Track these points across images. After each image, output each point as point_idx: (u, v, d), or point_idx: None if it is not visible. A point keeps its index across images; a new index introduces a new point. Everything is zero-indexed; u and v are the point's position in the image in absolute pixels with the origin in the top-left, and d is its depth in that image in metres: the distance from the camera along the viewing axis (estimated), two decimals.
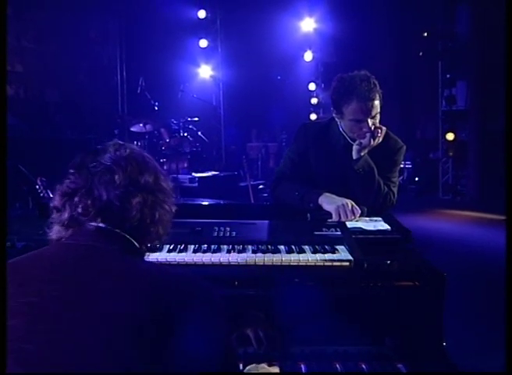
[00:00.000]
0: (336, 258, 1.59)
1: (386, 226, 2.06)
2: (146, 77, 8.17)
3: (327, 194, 2.36)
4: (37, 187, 4.18)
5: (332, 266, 1.59)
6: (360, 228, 2.03)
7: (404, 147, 2.63)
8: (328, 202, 2.30)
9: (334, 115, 2.56)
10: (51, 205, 1.19)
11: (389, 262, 1.73)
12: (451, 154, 9.47)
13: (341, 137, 2.58)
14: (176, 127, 7.80)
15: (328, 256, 1.61)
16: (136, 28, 9.54)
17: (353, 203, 2.29)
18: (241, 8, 9.57)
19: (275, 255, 1.63)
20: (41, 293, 1.02)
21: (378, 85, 2.46)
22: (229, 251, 1.65)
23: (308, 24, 9.83)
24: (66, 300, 1.02)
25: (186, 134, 7.80)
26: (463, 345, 3.16)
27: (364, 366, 1.60)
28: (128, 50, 9.89)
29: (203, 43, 10.09)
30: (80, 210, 1.14)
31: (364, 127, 2.44)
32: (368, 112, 2.41)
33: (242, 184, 7.11)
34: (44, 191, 4.05)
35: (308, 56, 9.92)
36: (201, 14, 10.03)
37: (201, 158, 7.96)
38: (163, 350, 0.99)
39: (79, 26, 8.88)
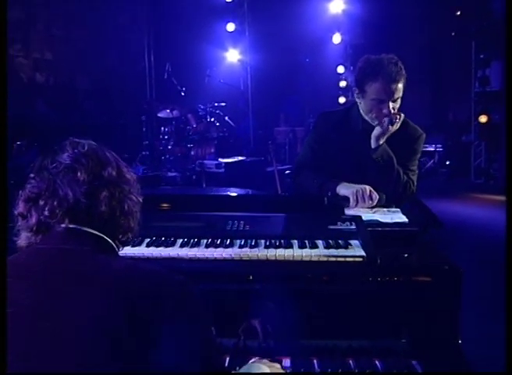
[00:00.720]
0: (348, 254, 1.57)
1: (404, 219, 2.03)
2: (173, 62, 8.18)
3: (345, 183, 2.36)
4: None
5: (345, 261, 1.57)
6: (377, 220, 1.99)
7: (424, 135, 2.60)
8: (346, 188, 2.32)
9: (355, 94, 2.56)
10: (16, 212, 1.16)
11: (405, 255, 1.71)
12: (484, 137, 9.22)
13: (360, 120, 2.57)
14: (203, 112, 7.80)
15: (340, 252, 1.59)
16: (164, 13, 9.54)
17: (372, 189, 2.28)
18: None
19: (287, 250, 1.61)
20: (15, 302, 1.01)
21: (404, 70, 2.43)
22: (241, 246, 1.64)
23: (337, 5, 9.64)
24: (39, 308, 1.01)
25: (212, 119, 7.79)
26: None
27: (377, 362, 1.58)
28: (156, 35, 9.90)
29: (230, 27, 10.00)
30: (46, 213, 1.12)
31: (384, 109, 2.43)
32: (391, 93, 2.41)
33: (269, 169, 7.08)
34: None
35: (337, 38, 9.75)
36: None
37: (228, 143, 7.94)
38: (142, 350, 0.98)
39: (107, 12, 8.92)
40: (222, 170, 6.87)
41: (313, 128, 2.75)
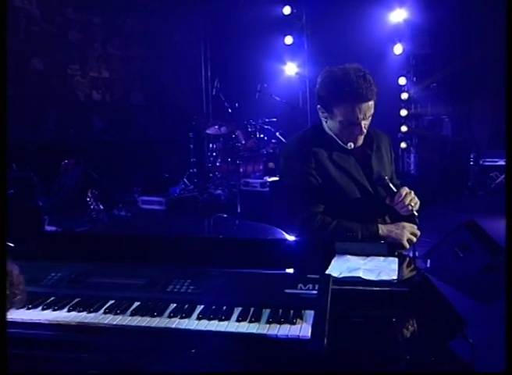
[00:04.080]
0: (288, 334, 1.29)
1: (393, 275, 1.70)
2: (228, 77, 8.11)
3: (383, 225, 2.22)
4: (88, 199, 4.24)
5: (285, 342, 1.30)
6: (359, 277, 1.70)
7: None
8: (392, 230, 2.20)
9: (321, 113, 2.30)
10: None
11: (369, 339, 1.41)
12: None
13: (332, 140, 2.32)
14: (253, 129, 7.60)
15: (281, 330, 1.31)
16: (220, 27, 9.51)
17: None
18: (327, 2, 9.18)
19: (221, 322, 1.36)
20: None
21: (373, 83, 2.18)
22: (170, 316, 1.41)
23: (398, 15, 9.19)
24: None
25: (262, 136, 7.59)
26: None
27: None
28: (212, 50, 9.90)
29: (288, 40, 9.84)
30: None
31: (356, 130, 2.21)
32: (363, 114, 2.16)
33: None
34: (94, 203, 4.08)
35: (398, 49, 9.29)
36: (286, 10, 9.79)
37: (279, 160, 7.67)
38: None
39: (164, 29, 9.01)
40: (267, 189, 6.62)
41: (293, 163, 2.32)
